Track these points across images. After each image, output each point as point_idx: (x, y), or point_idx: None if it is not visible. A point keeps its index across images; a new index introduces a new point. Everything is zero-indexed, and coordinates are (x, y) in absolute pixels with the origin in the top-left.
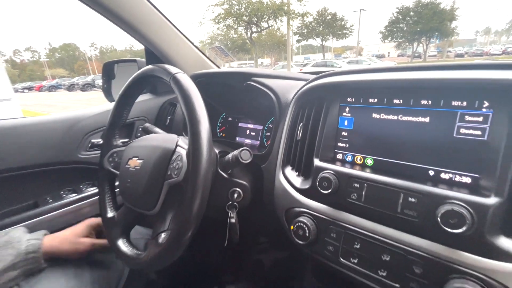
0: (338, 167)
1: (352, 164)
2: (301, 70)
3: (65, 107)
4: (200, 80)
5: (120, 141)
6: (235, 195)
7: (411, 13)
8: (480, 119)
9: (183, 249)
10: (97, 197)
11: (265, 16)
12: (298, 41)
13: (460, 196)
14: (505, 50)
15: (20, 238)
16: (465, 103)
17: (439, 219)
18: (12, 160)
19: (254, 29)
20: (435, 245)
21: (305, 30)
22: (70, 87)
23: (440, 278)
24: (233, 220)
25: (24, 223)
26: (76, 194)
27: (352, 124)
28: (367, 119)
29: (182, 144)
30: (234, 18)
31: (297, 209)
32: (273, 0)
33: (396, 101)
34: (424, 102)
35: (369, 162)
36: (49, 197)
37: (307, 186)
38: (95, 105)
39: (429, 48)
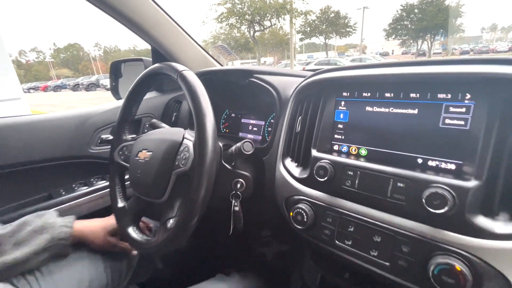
0: (334, 157)
1: (348, 154)
2: (304, 69)
3: (70, 107)
4: (204, 77)
5: (129, 136)
6: (238, 185)
7: (416, 10)
8: (463, 110)
9: (190, 234)
10: (107, 190)
11: (268, 14)
12: (301, 39)
13: (443, 180)
14: (511, 47)
15: (54, 223)
16: (449, 96)
17: (424, 201)
18: (27, 154)
19: (257, 28)
20: (421, 225)
21: (308, 29)
22: (75, 87)
23: (425, 255)
24: (237, 208)
25: None
26: (87, 187)
27: (348, 117)
28: (361, 112)
29: (188, 136)
30: (237, 17)
31: (296, 197)
32: None
33: (387, 94)
34: (412, 95)
35: (363, 152)
36: (62, 189)
37: (305, 176)
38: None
39: (434, 45)
